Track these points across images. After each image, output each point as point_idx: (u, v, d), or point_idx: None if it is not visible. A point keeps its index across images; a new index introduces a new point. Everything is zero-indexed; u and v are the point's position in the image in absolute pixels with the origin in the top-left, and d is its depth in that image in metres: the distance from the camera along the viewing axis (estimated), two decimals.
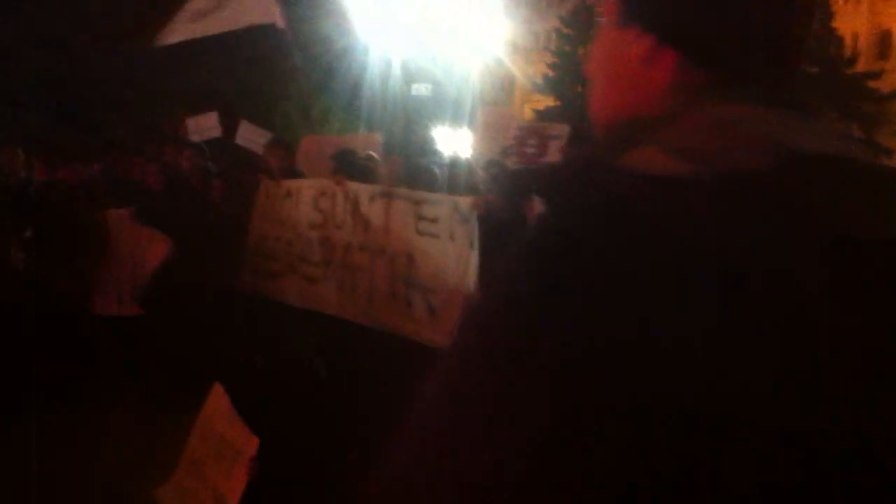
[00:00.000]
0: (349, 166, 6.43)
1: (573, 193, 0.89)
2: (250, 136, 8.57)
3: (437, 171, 6.74)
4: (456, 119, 11.83)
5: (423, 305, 5.13)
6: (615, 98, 1.05)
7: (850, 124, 29.17)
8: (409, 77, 14.83)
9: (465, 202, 5.00)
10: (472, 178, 6.75)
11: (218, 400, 4.60)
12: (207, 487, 4.41)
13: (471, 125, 9.41)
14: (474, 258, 4.85)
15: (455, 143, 8.62)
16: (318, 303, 5.85)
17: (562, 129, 6.74)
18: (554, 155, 6.52)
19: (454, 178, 6.64)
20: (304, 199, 6.07)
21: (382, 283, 5.39)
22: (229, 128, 8.55)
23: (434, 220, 5.11)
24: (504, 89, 28.07)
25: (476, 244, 4.84)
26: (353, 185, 5.73)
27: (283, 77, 26.10)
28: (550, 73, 31.00)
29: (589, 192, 0.86)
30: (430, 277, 5.10)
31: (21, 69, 17.80)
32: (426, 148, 7.33)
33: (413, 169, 6.45)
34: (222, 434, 4.45)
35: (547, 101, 30.00)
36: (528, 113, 31.49)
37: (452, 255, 4.98)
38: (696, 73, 0.95)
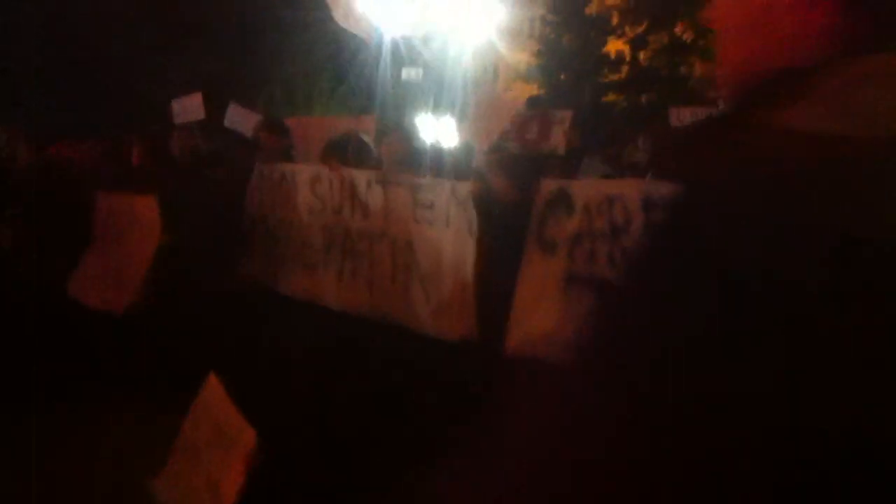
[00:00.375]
0: (342, 151, 6.32)
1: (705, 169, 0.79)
2: (239, 119, 8.44)
3: (435, 155, 6.65)
4: (448, 104, 11.69)
5: (420, 294, 5.03)
6: (754, 48, 0.92)
7: None
8: (399, 61, 14.65)
9: (462, 186, 4.87)
10: (471, 163, 6.66)
11: (213, 388, 4.51)
12: (201, 473, 4.31)
13: (464, 110, 9.33)
14: (473, 244, 4.75)
15: (448, 128, 8.50)
16: (319, 292, 5.73)
17: (564, 116, 6.64)
18: (557, 141, 6.43)
19: (452, 162, 6.55)
20: (300, 183, 5.96)
21: (381, 271, 5.30)
22: (218, 111, 8.44)
23: (430, 206, 5.00)
24: (488, 76, 27.93)
25: (475, 230, 4.74)
26: (349, 171, 5.62)
27: (267, 61, 25.90)
28: (535, 61, 30.85)
29: (729, 164, 0.76)
30: (428, 265, 5.00)
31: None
32: (420, 133, 7.20)
33: (412, 154, 6.34)
34: (217, 421, 4.36)
35: (530, 90, 29.80)
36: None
37: (450, 241, 4.87)
38: (860, 19, 0.83)
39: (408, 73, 13.09)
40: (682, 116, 6.46)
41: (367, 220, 5.42)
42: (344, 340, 5.32)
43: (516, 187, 4.72)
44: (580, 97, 21.42)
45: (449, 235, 4.88)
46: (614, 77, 31.36)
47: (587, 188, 4.41)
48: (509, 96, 7.88)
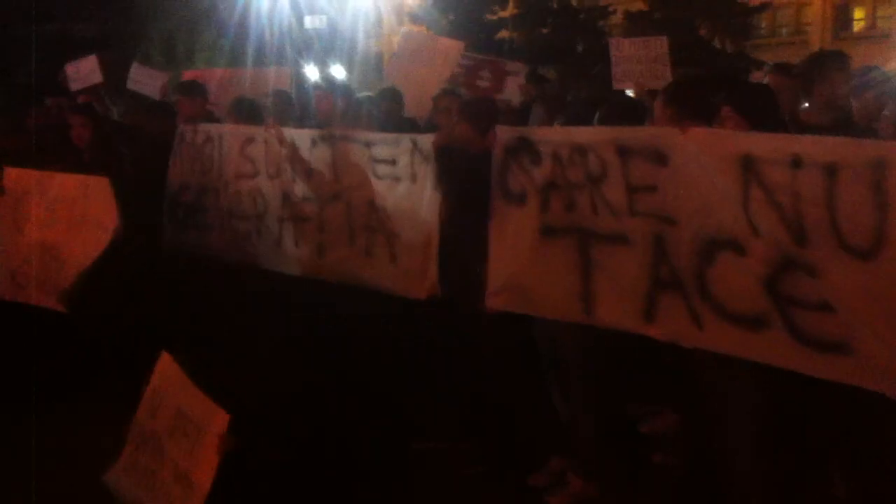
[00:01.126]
0: (249, 113, 5.87)
1: None
2: (143, 80, 7.92)
3: (364, 106, 6.27)
4: (353, 52, 11.16)
5: (385, 252, 4.72)
6: None
7: (721, 37, 29.72)
8: (292, 9, 13.92)
9: (425, 139, 4.53)
10: (402, 111, 6.27)
11: (167, 369, 4.17)
12: (166, 465, 4.01)
13: (369, 58, 8.97)
14: (439, 198, 4.41)
15: (363, 75, 8.01)
16: (253, 258, 5.37)
17: (518, 67, 6.40)
18: (512, 92, 6.15)
19: (390, 113, 6.15)
20: (229, 146, 5.50)
21: (335, 233, 4.94)
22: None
23: (392, 162, 4.66)
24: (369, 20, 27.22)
25: (441, 183, 4.41)
26: (288, 131, 5.19)
27: (141, 17, 24.85)
28: (422, 2, 30.45)
29: None
30: (393, 223, 4.67)
31: None
32: (334, 82, 6.73)
33: (346, 107, 5.92)
34: (179, 407, 4.04)
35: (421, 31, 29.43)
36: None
37: (416, 196, 4.55)
38: None
39: (311, 21, 12.40)
40: (622, 48, 6.22)
41: (313, 182, 5.01)
42: (297, 307, 5.02)
43: (481, 135, 4.37)
44: (471, 37, 20.94)
45: (414, 190, 4.55)
46: (504, 13, 31.14)
47: (553, 136, 4.09)
48: (443, 41, 7.48)
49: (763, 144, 3.27)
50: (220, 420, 3.76)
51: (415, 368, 4.74)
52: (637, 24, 28.01)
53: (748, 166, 3.25)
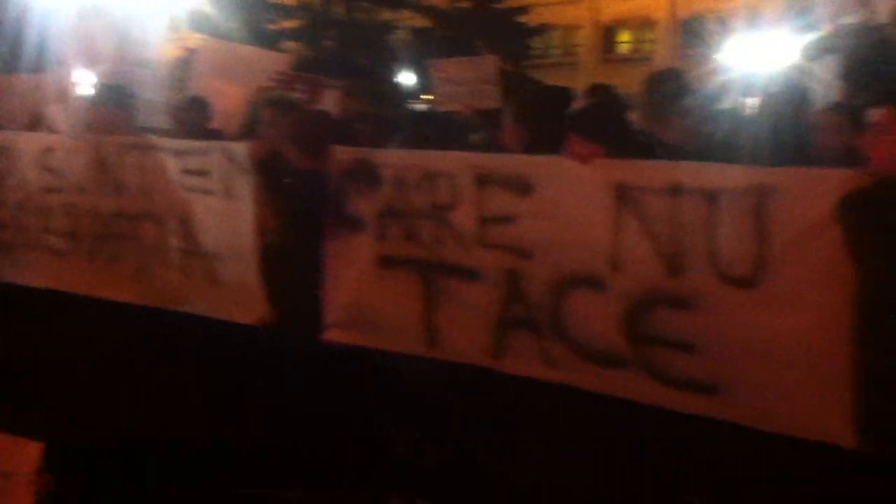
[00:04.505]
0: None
1: None
2: None
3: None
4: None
5: (203, 274, 4.40)
6: None
7: (498, 59, 30.54)
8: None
9: (239, 149, 4.22)
10: (207, 120, 5.94)
11: None
12: None
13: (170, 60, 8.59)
14: (260, 216, 4.14)
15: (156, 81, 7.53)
16: (67, 282, 4.85)
17: (338, 82, 6.23)
18: (330, 104, 5.97)
19: (195, 124, 5.80)
20: (26, 156, 5.00)
21: (153, 253, 4.57)
22: None
23: (203, 174, 4.32)
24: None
25: (262, 199, 4.14)
26: (95, 138, 4.76)
27: None
28: (204, 9, 29.51)
29: None
30: (209, 241, 4.36)
31: None
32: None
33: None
34: None
35: (198, 39, 28.40)
36: (177, 52, 29.82)
37: (232, 213, 4.24)
38: None
39: None
40: (444, 69, 6.25)
41: (125, 196, 4.63)
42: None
43: (311, 157, 4.06)
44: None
45: (230, 206, 4.23)
46: (289, 23, 30.64)
47: (398, 159, 3.89)
48: (250, 51, 7.12)
49: (643, 173, 3.21)
50: (30, 453, 3.33)
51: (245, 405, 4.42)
52: (422, 42, 28.40)
53: (623, 195, 3.19)
